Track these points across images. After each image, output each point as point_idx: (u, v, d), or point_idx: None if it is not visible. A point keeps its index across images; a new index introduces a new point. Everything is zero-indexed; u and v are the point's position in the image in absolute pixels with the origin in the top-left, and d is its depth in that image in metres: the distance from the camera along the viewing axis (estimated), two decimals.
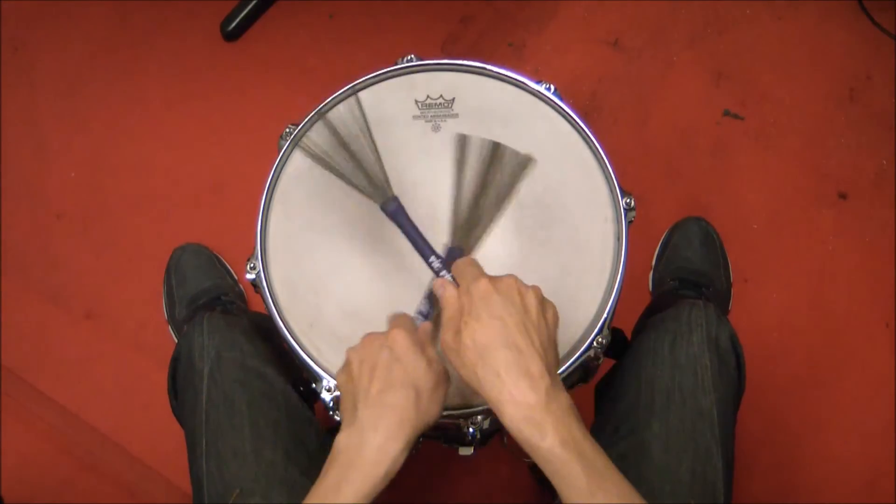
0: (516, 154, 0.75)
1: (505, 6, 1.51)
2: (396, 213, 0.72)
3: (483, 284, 0.62)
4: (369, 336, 0.65)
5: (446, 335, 0.62)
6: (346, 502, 0.59)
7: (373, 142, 0.75)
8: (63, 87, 1.47)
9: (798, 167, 1.38)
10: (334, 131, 0.76)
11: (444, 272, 0.69)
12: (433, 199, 0.80)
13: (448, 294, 0.64)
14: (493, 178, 0.74)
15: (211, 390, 0.79)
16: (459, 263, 0.66)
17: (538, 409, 0.57)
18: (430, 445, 0.83)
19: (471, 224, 0.74)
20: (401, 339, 0.63)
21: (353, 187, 0.74)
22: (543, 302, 0.63)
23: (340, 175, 0.75)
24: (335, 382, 0.73)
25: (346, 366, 0.65)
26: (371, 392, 0.61)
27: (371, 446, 0.60)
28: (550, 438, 0.57)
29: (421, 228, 0.79)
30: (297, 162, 0.83)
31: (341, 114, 0.80)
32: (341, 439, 0.61)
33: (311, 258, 0.79)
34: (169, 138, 1.43)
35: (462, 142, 0.75)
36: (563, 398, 0.59)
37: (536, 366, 0.58)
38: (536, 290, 0.63)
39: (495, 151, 0.75)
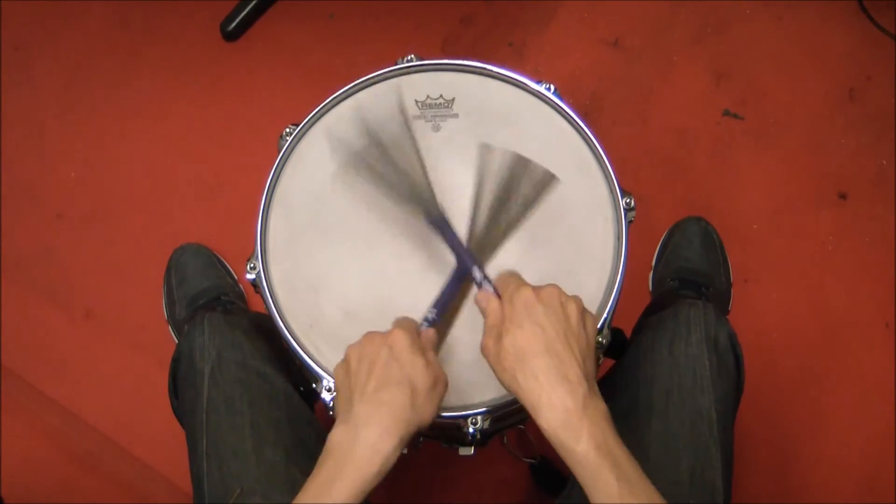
0: (545, 172, 0.76)
1: (505, 6, 1.51)
2: (440, 225, 0.73)
3: (526, 293, 0.63)
4: (370, 334, 0.66)
5: (488, 341, 0.64)
6: (339, 500, 0.59)
7: (415, 147, 0.74)
8: (63, 87, 1.47)
9: (798, 167, 1.38)
10: (372, 131, 0.76)
11: (486, 284, 0.69)
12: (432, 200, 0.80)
13: (492, 306, 0.66)
14: (514, 194, 0.75)
15: (212, 390, 0.79)
16: (503, 274, 0.68)
17: (575, 414, 0.59)
18: (430, 445, 0.83)
19: (487, 241, 0.75)
20: (401, 339, 0.64)
21: (390, 194, 0.74)
22: (584, 312, 0.65)
23: (379, 179, 0.74)
24: (335, 381, 0.73)
25: (345, 361, 0.65)
26: (367, 389, 0.62)
27: (365, 443, 0.60)
28: (585, 443, 0.58)
29: (418, 230, 0.79)
30: (298, 161, 0.83)
31: (379, 115, 0.79)
32: (335, 435, 0.62)
33: (311, 258, 0.79)
34: (169, 138, 1.43)
35: (485, 150, 0.76)
36: (600, 405, 0.61)
37: (574, 372, 0.60)
38: (577, 300, 0.65)
39: (520, 164, 0.75)
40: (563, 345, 0.61)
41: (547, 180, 0.76)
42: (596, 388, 0.62)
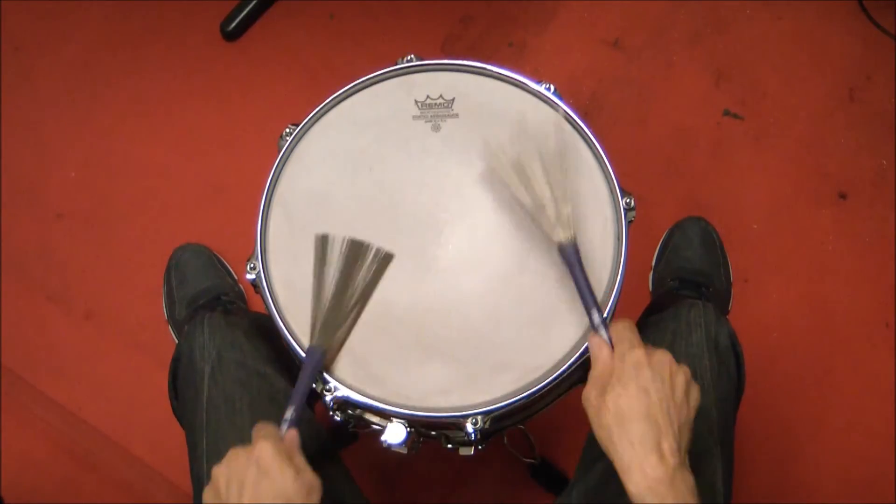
0: (378, 251, 0.77)
1: (505, 6, 1.51)
2: (571, 259, 0.72)
3: (638, 354, 0.64)
4: (234, 451, 0.64)
5: (591, 391, 0.65)
6: None
7: (565, 173, 0.74)
8: (63, 87, 1.47)
9: (798, 167, 1.38)
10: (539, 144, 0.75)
11: (601, 328, 0.69)
12: (433, 200, 0.80)
13: (603, 355, 0.66)
14: (355, 276, 0.76)
15: (212, 390, 0.79)
16: (619, 327, 0.67)
17: (663, 483, 0.60)
18: (430, 445, 0.83)
19: (333, 324, 0.74)
20: (266, 452, 0.62)
21: (529, 218, 0.74)
22: (690, 383, 0.65)
23: (519, 200, 0.74)
24: (335, 383, 0.73)
25: (213, 485, 0.63)
26: None
27: None
28: None
29: (419, 230, 0.79)
30: (298, 161, 0.83)
31: (541, 129, 0.77)
32: None
33: (311, 258, 0.79)
34: (169, 138, 1.43)
35: (322, 241, 0.77)
36: (688, 478, 0.61)
37: (669, 444, 0.61)
38: (686, 370, 0.65)
39: (357, 248, 0.76)
40: (663, 414, 0.62)
41: (387, 259, 0.77)
42: (687, 460, 0.62)
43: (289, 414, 0.69)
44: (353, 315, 0.76)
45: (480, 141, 0.80)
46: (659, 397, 0.62)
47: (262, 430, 0.66)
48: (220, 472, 0.63)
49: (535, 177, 0.73)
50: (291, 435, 0.67)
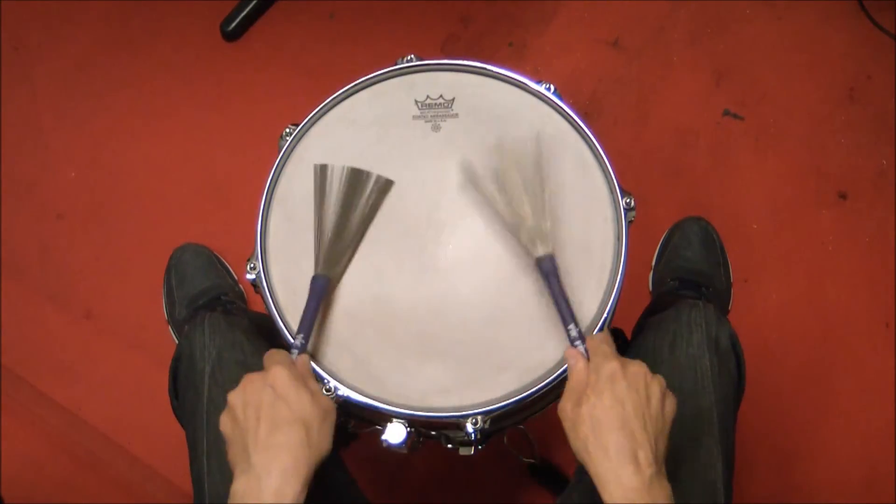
0: (378, 178, 0.78)
1: (505, 6, 1.51)
2: (549, 273, 0.72)
3: (613, 366, 0.64)
4: (248, 377, 0.65)
5: (566, 403, 0.65)
6: None
7: (543, 186, 0.74)
8: (63, 87, 1.47)
9: (798, 167, 1.38)
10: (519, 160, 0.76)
11: (578, 342, 0.69)
12: (433, 200, 0.80)
13: (578, 366, 0.67)
14: (356, 205, 0.77)
15: (212, 390, 0.79)
16: (596, 340, 0.68)
17: (640, 492, 0.59)
18: (431, 445, 0.83)
19: (336, 253, 0.76)
20: (281, 377, 0.63)
21: (508, 232, 0.74)
22: (665, 394, 0.65)
23: (499, 214, 0.75)
24: (335, 383, 0.73)
25: (230, 410, 0.64)
26: (260, 434, 0.61)
27: (268, 492, 0.59)
28: None
29: (418, 230, 0.79)
30: (298, 161, 0.83)
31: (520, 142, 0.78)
32: (238, 488, 0.61)
33: (311, 258, 0.79)
34: (169, 138, 1.43)
35: (321, 171, 0.78)
36: (665, 488, 0.61)
37: (645, 453, 0.61)
38: (661, 381, 0.65)
39: (357, 177, 0.78)
40: (638, 424, 0.61)
41: (385, 186, 0.78)
42: (664, 470, 0.62)
43: (298, 341, 0.70)
44: (353, 245, 0.77)
45: (475, 145, 0.80)
46: (634, 407, 0.62)
47: (273, 356, 0.67)
48: (235, 396, 0.64)
49: (514, 191, 0.74)
50: (303, 360, 0.69)
